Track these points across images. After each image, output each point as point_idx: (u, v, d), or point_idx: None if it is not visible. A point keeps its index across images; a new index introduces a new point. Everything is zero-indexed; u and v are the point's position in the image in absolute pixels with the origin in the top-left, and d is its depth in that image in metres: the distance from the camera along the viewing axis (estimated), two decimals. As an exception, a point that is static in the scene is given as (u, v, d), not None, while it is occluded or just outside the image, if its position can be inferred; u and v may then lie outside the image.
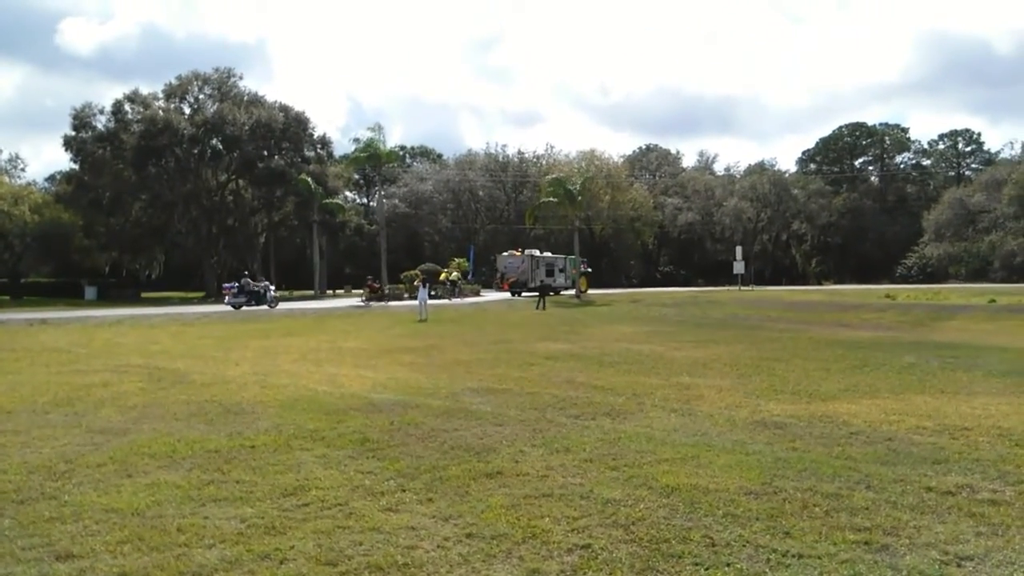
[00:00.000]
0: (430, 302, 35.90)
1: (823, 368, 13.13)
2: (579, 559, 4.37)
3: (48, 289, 54.81)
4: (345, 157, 62.79)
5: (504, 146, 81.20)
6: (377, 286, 41.45)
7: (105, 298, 49.53)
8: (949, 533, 4.76)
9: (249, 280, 36.08)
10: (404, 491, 5.72)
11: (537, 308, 33.97)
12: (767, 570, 4.20)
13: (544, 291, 37.62)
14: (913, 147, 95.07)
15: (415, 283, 37.13)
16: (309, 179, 49.97)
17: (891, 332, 22.38)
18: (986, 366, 13.32)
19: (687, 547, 4.53)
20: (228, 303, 34.38)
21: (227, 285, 35.96)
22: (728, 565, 4.26)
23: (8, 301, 45.98)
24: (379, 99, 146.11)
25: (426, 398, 10.11)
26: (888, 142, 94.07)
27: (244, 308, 33.35)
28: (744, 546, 4.56)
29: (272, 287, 36.84)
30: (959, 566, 4.26)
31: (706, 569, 4.21)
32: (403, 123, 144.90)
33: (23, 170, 75.50)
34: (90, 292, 51.03)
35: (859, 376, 12.12)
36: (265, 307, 34.10)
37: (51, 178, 74.41)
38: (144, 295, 54.19)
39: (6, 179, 61.59)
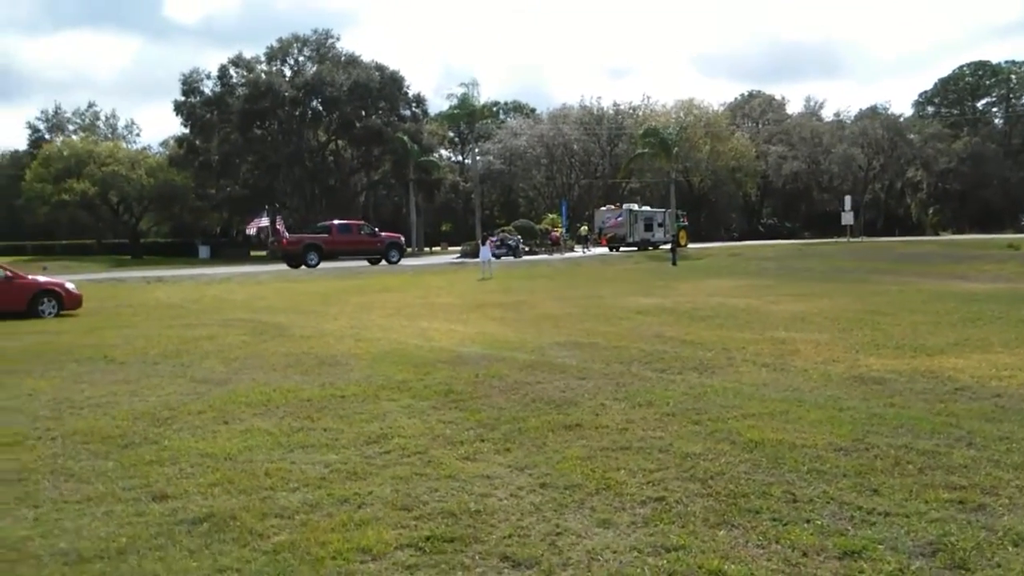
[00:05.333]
0: (532, 257, 36.41)
1: (932, 321, 12.44)
2: (652, 511, 4.31)
3: (165, 249, 58.00)
4: (440, 115, 63.26)
5: (599, 98, 79.94)
6: (557, 235, 45.48)
7: (218, 256, 52.08)
8: (1057, 494, 4.44)
9: (507, 235, 41.95)
10: (483, 441, 5.78)
11: (673, 264, 33.32)
12: (850, 528, 4.02)
13: (675, 244, 37.28)
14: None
15: (489, 240, 37.94)
16: (405, 137, 50.65)
17: (1011, 284, 20.98)
18: (1117, 319, 12.32)
19: (766, 502, 4.40)
20: (493, 254, 39.37)
21: (492, 238, 41.37)
22: (808, 522, 4.11)
23: (129, 260, 48.91)
24: (471, 57, 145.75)
25: (512, 352, 10.17)
26: (1015, 81, 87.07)
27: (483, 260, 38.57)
28: (828, 503, 4.38)
29: (522, 240, 42.30)
30: (1064, 529, 3.97)
31: (784, 525, 4.07)
32: (495, 80, 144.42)
33: (138, 135, 79.86)
34: (203, 251, 53.76)
35: (971, 330, 11.43)
36: (516, 257, 39.09)
37: (164, 143, 78.21)
38: (253, 253, 56.60)
39: (123, 144, 65.14)
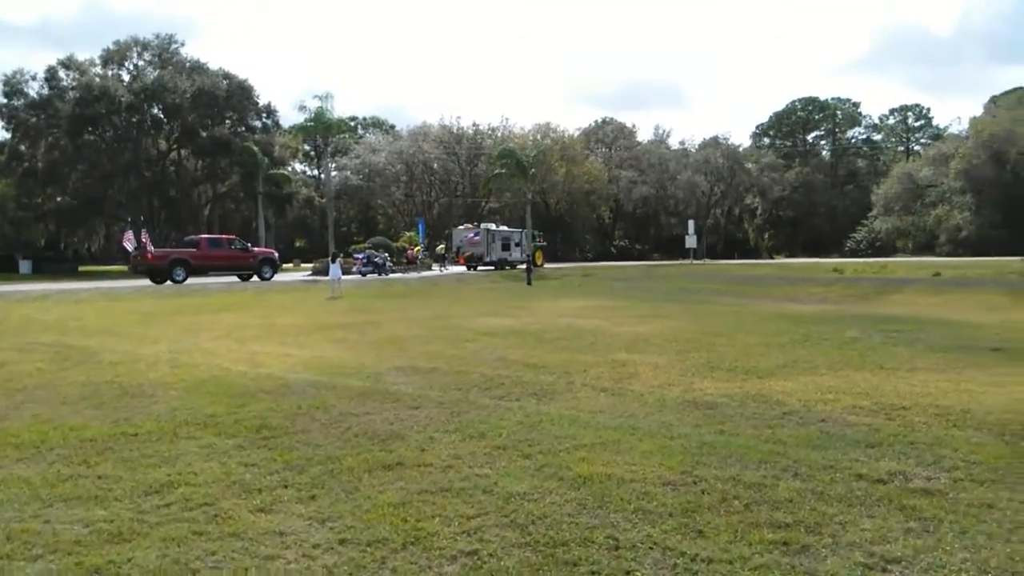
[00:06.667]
0: (393, 276, 36.21)
1: (764, 343, 12.80)
2: (460, 569, 3.83)
3: (-21, 263, 52.48)
4: (294, 128, 61.30)
5: (459, 118, 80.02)
6: (413, 253, 45.95)
7: (41, 272, 47.61)
8: (876, 530, 4.33)
9: (374, 252, 41.16)
10: (286, 487, 5.13)
11: (528, 283, 33.41)
12: (671, 579, 3.71)
13: (530, 264, 37.56)
14: (864, 122, 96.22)
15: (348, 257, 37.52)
16: (255, 148, 48.46)
17: (837, 306, 22.33)
18: (928, 340, 13.13)
19: (587, 551, 4.03)
20: (356, 271, 38.25)
21: (357, 256, 40.85)
22: (628, 573, 3.77)
23: (-66, 275, 43.82)
24: (331, 72, 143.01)
25: (346, 378, 9.50)
26: (840, 117, 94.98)
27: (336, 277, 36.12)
28: (651, 549, 4.07)
29: (389, 258, 41.46)
30: (884, 571, 3.82)
31: (603, 579, 3.71)
32: (355, 96, 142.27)
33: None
34: (24, 266, 49.01)
35: (799, 351, 11.80)
36: (381, 275, 38.00)
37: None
38: (83, 269, 52.24)
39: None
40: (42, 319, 18.17)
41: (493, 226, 51.08)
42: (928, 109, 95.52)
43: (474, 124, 77.90)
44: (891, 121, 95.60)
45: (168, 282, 32.20)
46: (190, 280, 32.79)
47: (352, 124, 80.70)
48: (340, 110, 79.14)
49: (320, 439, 6.44)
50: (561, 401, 8.06)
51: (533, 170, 51.68)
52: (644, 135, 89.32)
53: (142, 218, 48.62)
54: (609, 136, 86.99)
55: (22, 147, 52.08)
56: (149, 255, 33.43)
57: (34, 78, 51.34)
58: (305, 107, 58.15)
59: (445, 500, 4.85)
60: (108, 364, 10.74)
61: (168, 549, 4.05)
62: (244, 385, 9.04)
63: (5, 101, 50.57)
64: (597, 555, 3.98)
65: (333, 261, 28.37)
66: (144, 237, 34.76)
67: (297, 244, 76.59)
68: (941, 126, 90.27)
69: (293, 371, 10.16)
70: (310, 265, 46.22)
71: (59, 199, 54.63)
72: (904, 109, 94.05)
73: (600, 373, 9.75)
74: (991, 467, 5.56)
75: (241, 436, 6.53)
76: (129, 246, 36.28)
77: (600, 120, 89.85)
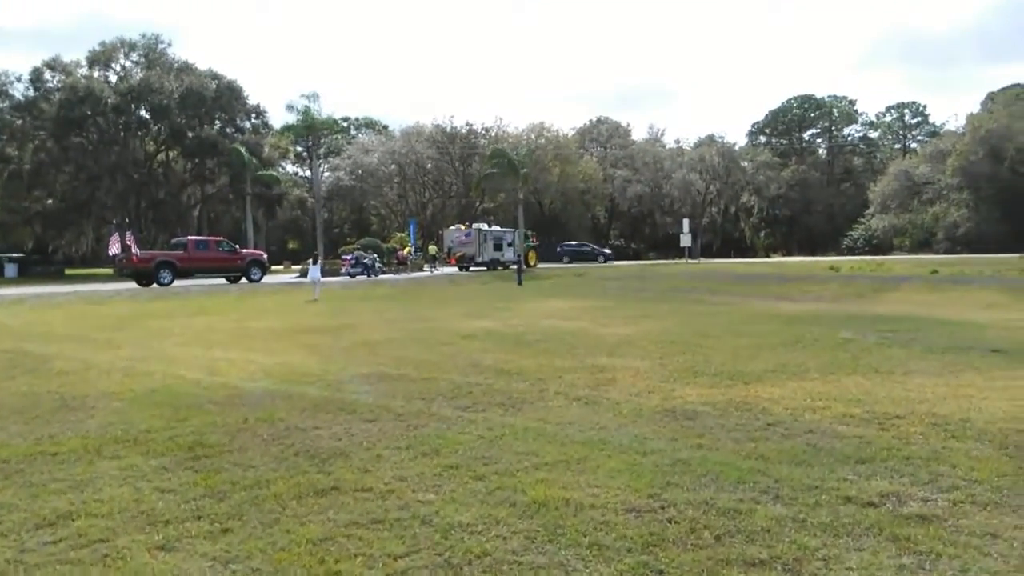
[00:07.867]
0: (384, 277, 35.72)
1: (754, 344, 12.22)
2: (371, 626, 3.25)
3: (-35, 268, 51.77)
4: (281, 128, 60.65)
5: (452, 117, 79.34)
6: (404, 254, 45.55)
7: (27, 276, 47.00)
8: (864, 568, 3.75)
9: (362, 253, 40.73)
10: (199, 519, 4.53)
11: (519, 284, 32.80)
12: (620, 636, 3.13)
13: (520, 264, 36.98)
14: (861, 119, 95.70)
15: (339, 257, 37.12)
16: (242, 149, 47.75)
17: (832, 304, 21.76)
18: (925, 341, 12.57)
19: (525, 599, 3.45)
20: (344, 272, 38.17)
21: (345, 257, 40.78)
22: (569, 630, 3.19)
23: (-82, 280, 43.19)
24: (324, 75, 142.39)
25: (305, 387, 8.92)
26: (836, 114, 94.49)
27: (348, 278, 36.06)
28: (601, 595, 3.49)
29: (378, 259, 40.89)
30: (872, 622, 3.24)
31: (538, 637, 3.12)
32: (349, 99, 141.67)
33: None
34: (10, 270, 48.36)
35: (790, 354, 11.22)
36: (370, 277, 37.72)
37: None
38: (70, 272, 51.61)
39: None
40: (8, 324, 17.55)
41: (485, 226, 50.43)
42: (925, 107, 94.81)
43: (467, 124, 77.06)
44: (888, 119, 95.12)
45: (154, 284, 31.63)
46: (176, 283, 32.22)
47: (343, 124, 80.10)
48: (334, 112, 78.64)
49: (256, 459, 5.85)
50: (530, 412, 7.48)
51: (525, 170, 51.12)
52: (639, 134, 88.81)
53: (127, 220, 47.94)
54: (603, 135, 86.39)
55: (8, 149, 51.33)
56: (134, 258, 32.93)
57: (19, 79, 50.66)
58: (293, 107, 57.36)
59: (374, 534, 4.26)
60: (57, 373, 10.14)
61: (33, 602, 3.46)
62: (194, 395, 8.46)
63: (-9, 104, 49.87)
64: (536, 605, 3.40)
65: (314, 263, 27.69)
66: (129, 239, 34.20)
67: (290, 246, 76.01)
68: (938, 123, 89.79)
69: (252, 379, 9.58)
70: (298, 267, 45.66)
71: (48, 202, 53.99)
72: (901, 107, 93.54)
73: (576, 380, 9.16)
74: (994, 486, 5.00)
75: (169, 456, 5.93)
76: (115, 249, 35.75)
77: (595, 119, 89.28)
